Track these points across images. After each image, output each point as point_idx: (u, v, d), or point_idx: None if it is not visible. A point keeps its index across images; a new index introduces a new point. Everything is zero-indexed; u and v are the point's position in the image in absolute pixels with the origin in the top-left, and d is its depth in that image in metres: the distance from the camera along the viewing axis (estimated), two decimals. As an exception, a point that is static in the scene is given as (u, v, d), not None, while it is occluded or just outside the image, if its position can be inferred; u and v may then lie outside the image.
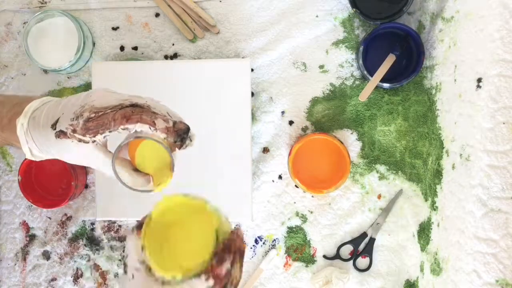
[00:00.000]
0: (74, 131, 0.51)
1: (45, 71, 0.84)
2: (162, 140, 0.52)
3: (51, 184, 0.82)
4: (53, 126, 0.52)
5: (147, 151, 0.55)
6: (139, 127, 0.51)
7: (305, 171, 0.77)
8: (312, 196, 0.81)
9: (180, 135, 0.52)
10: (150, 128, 0.51)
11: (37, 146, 0.55)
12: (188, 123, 0.54)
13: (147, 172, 0.55)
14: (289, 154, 0.77)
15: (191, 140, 0.54)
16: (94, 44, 0.83)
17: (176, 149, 0.53)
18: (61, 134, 0.52)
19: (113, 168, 0.53)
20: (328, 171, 0.77)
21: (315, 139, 0.76)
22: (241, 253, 0.50)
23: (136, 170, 0.55)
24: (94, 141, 0.52)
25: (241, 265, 0.50)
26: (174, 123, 0.52)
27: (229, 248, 0.49)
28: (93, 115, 0.51)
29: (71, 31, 0.78)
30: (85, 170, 0.83)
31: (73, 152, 0.53)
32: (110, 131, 0.51)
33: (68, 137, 0.52)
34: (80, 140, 0.52)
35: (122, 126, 0.51)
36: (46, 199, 0.81)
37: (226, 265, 0.48)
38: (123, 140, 0.52)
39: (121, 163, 0.54)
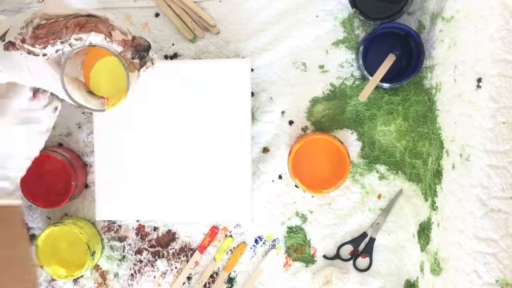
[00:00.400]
0: (23, 40, 0.47)
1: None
2: (118, 54, 0.47)
3: (51, 184, 0.82)
4: (2, 37, 0.48)
5: (102, 72, 0.51)
6: (94, 37, 0.47)
7: (305, 171, 0.77)
8: (312, 196, 0.81)
9: (139, 51, 0.48)
10: (106, 39, 0.47)
11: None
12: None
13: (101, 95, 0.51)
14: (289, 154, 0.77)
15: (152, 62, 0.50)
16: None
17: (136, 71, 0.49)
18: (10, 45, 0.48)
19: (62, 83, 0.48)
20: (328, 171, 0.77)
21: (315, 139, 0.76)
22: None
23: (90, 92, 0.51)
24: (44, 55, 0.48)
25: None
26: (134, 37, 0.48)
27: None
28: (43, 22, 0.47)
29: None
30: (85, 170, 0.83)
31: (22, 67, 0.49)
32: (61, 42, 0.47)
33: (17, 49, 0.48)
34: (29, 52, 0.48)
35: (75, 36, 0.47)
36: (46, 199, 0.81)
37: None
38: (72, 49, 0.48)
39: (75, 83, 0.50)
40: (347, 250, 0.81)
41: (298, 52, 0.80)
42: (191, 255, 0.83)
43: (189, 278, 0.83)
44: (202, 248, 0.82)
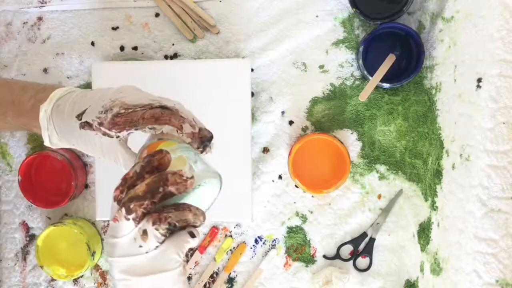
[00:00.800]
0: (100, 124, 0.51)
1: (45, 71, 0.84)
2: (187, 144, 0.52)
3: (51, 184, 0.82)
4: (79, 116, 0.53)
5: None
6: (167, 129, 0.51)
7: (305, 171, 0.77)
8: (312, 196, 0.81)
9: (204, 142, 0.53)
10: (177, 131, 0.51)
11: (57, 134, 0.55)
12: None
13: None
14: (289, 154, 0.77)
15: (211, 148, 0.55)
16: (93, 43, 0.83)
17: None
18: (86, 125, 0.52)
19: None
20: (328, 171, 0.77)
21: (315, 139, 0.76)
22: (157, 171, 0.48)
23: None
24: (118, 137, 0.52)
25: (149, 183, 0.46)
26: (200, 129, 0.52)
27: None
28: (122, 111, 0.51)
29: None
30: (85, 170, 0.84)
31: (95, 144, 0.53)
32: (136, 129, 0.51)
33: (93, 129, 0.52)
34: (104, 134, 0.52)
35: (150, 126, 0.51)
36: (46, 199, 0.82)
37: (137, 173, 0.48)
38: (149, 138, 0.52)
39: None
40: (347, 250, 0.81)
41: (298, 52, 0.80)
42: (191, 255, 0.83)
43: (189, 278, 0.83)
44: (202, 248, 0.82)
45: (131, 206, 0.44)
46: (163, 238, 0.45)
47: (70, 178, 0.79)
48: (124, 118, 0.51)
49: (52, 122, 0.55)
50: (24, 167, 0.80)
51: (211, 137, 0.54)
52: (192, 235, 0.47)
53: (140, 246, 0.45)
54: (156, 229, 0.44)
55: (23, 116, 0.57)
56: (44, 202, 0.81)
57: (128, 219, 0.45)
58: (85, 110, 0.53)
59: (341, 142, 0.76)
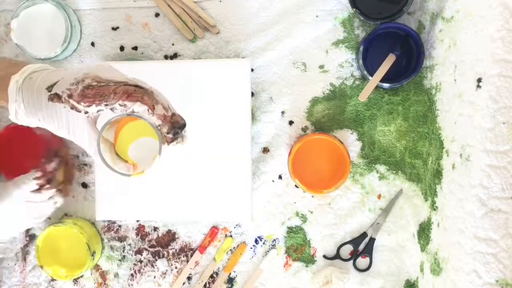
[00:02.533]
0: (70, 95, 0.50)
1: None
2: (156, 126, 0.50)
3: (24, 155, 0.82)
4: (49, 88, 0.51)
5: (130, 136, 0.54)
6: (138, 106, 0.50)
7: (305, 171, 0.77)
8: (312, 196, 0.81)
9: (175, 127, 0.51)
10: (148, 111, 0.50)
11: (24, 108, 0.53)
12: (188, 123, 0.54)
13: (125, 159, 0.54)
14: (289, 154, 0.77)
15: (182, 139, 0.53)
16: (93, 43, 0.83)
17: (165, 143, 0.52)
18: (55, 97, 0.50)
19: (97, 144, 0.51)
20: (328, 171, 0.77)
21: (315, 139, 0.76)
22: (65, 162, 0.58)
23: (117, 155, 0.54)
24: (86, 112, 0.50)
25: (65, 172, 0.54)
26: (173, 114, 0.51)
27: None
28: (94, 83, 0.50)
29: (59, 20, 0.78)
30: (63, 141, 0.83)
31: (61, 119, 0.51)
32: (106, 105, 0.50)
33: (62, 102, 0.50)
34: (72, 107, 0.50)
35: (120, 102, 0.49)
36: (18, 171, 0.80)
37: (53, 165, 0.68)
38: (115, 115, 0.50)
39: (106, 145, 0.53)
40: (347, 250, 0.81)
41: (298, 52, 0.80)
42: (191, 255, 0.83)
43: (189, 278, 0.83)
44: (202, 248, 0.82)
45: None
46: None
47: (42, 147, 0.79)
48: (95, 90, 0.49)
49: (21, 94, 0.52)
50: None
51: (184, 124, 0.52)
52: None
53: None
54: None
55: None
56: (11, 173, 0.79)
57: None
58: (56, 82, 0.51)
59: (341, 142, 0.76)
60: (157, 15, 0.82)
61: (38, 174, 0.71)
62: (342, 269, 0.80)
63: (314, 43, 0.80)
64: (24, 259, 0.85)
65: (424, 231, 0.76)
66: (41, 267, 0.80)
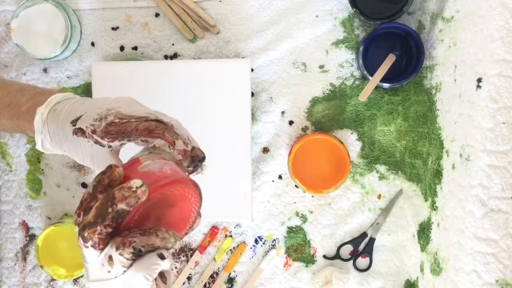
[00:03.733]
0: (93, 131, 0.51)
1: (45, 70, 0.84)
2: (177, 161, 0.51)
3: None
4: (73, 122, 0.52)
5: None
6: (159, 143, 0.51)
7: (305, 171, 0.77)
8: (312, 196, 0.81)
9: (195, 161, 0.52)
10: (169, 147, 0.51)
11: (50, 139, 0.54)
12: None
13: None
14: (289, 154, 0.77)
15: (202, 170, 0.54)
16: (93, 43, 0.83)
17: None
18: (79, 131, 0.52)
19: None
20: (328, 171, 0.77)
21: (315, 139, 0.76)
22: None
23: None
24: (110, 147, 0.52)
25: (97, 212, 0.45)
26: (193, 148, 0.52)
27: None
28: (117, 120, 0.51)
29: (59, 20, 0.78)
30: None
31: (86, 152, 0.53)
32: (129, 140, 0.51)
33: (86, 136, 0.52)
34: (96, 142, 0.52)
35: (142, 138, 0.51)
36: None
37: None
38: (140, 152, 0.52)
39: None
40: (347, 250, 0.81)
41: (298, 52, 0.80)
42: (191, 255, 0.83)
43: (189, 278, 0.83)
44: (202, 248, 0.82)
45: (85, 235, 0.43)
46: (129, 262, 0.44)
47: None
48: (118, 127, 0.51)
49: (47, 126, 0.54)
50: None
51: (203, 157, 0.53)
52: (162, 257, 0.46)
53: (109, 272, 0.45)
54: (121, 254, 0.44)
55: (18, 119, 0.57)
56: None
57: (88, 247, 0.44)
58: (80, 116, 0.52)
59: (341, 142, 0.76)
60: (157, 15, 0.82)
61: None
62: (342, 269, 0.80)
63: (314, 43, 0.80)
64: (24, 259, 0.85)
65: (424, 231, 0.76)
66: (41, 267, 0.80)
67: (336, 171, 0.76)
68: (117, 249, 0.43)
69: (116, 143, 0.52)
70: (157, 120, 0.51)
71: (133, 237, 0.44)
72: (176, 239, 0.47)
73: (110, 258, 0.44)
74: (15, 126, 0.58)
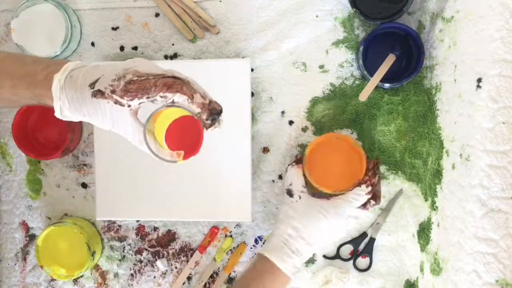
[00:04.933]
0: (113, 91, 0.52)
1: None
2: (196, 114, 0.53)
3: (47, 135, 0.83)
4: (92, 85, 0.53)
5: (164, 124, 0.57)
6: (178, 97, 0.52)
7: (319, 168, 0.75)
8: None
9: (213, 114, 0.54)
10: (188, 101, 0.52)
11: (68, 104, 0.55)
12: None
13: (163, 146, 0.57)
14: (308, 150, 0.75)
15: (219, 124, 0.56)
16: (93, 43, 0.83)
17: (204, 128, 0.55)
18: (98, 93, 0.53)
19: (144, 135, 0.54)
20: (341, 173, 0.74)
21: (335, 139, 0.74)
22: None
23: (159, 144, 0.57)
24: (129, 106, 0.53)
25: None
26: (210, 101, 0.54)
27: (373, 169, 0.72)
28: (135, 78, 0.52)
29: (59, 20, 0.79)
30: (81, 125, 0.84)
31: (105, 114, 0.54)
32: (148, 97, 0.53)
33: (105, 97, 0.53)
34: (116, 102, 0.53)
35: (161, 93, 0.52)
36: (39, 150, 0.81)
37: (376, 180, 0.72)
38: (158, 107, 0.54)
39: (151, 135, 0.56)
40: (347, 250, 0.81)
41: (298, 52, 0.80)
42: (191, 255, 0.83)
43: (189, 278, 0.83)
44: (202, 248, 0.82)
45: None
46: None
47: (66, 130, 0.80)
48: (137, 85, 0.52)
49: (65, 92, 0.55)
50: (19, 120, 0.80)
51: (221, 110, 0.55)
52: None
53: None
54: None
55: (36, 87, 0.57)
56: (37, 153, 0.81)
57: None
58: (98, 79, 0.53)
59: (360, 147, 0.74)
60: (157, 15, 0.82)
61: (368, 189, 0.72)
62: (342, 269, 0.80)
63: (314, 43, 0.80)
64: (24, 259, 0.85)
65: (424, 231, 0.76)
66: (41, 267, 0.80)
67: (349, 175, 0.74)
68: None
69: (135, 102, 0.53)
70: (174, 77, 0.53)
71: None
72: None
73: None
74: (32, 96, 0.58)
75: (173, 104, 0.53)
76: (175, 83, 0.52)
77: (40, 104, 0.58)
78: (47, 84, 0.56)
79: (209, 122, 0.54)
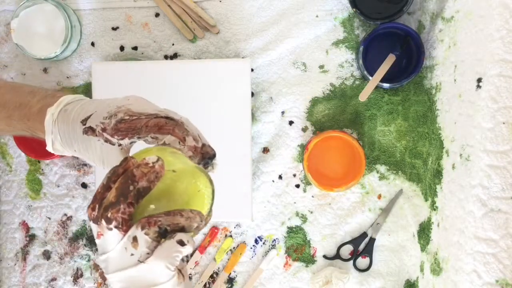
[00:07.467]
0: (104, 129, 0.51)
1: (45, 70, 0.84)
2: (188, 158, 0.51)
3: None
4: (84, 121, 0.52)
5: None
6: (169, 139, 0.51)
7: (319, 166, 0.76)
8: (312, 196, 0.81)
9: (205, 158, 0.52)
10: (179, 143, 0.51)
11: (60, 139, 0.54)
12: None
13: None
14: (306, 149, 0.76)
15: (213, 168, 0.54)
16: (93, 43, 0.83)
17: None
18: (89, 130, 0.52)
19: None
20: (342, 170, 0.76)
21: (333, 136, 0.75)
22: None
23: None
24: (120, 145, 0.52)
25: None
26: (203, 145, 0.52)
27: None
28: (127, 117, 0.51)
29: (59, 20, 0.78)
30: None
31: (96, 151, 0.53)
32: (139, 137, 0.51)
33: (96, 135, 0.51)
34: (106, 140, 0.51)
35: (152, 134, 0.50)
36: (39, 150, 0.81)
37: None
38: (147, 147, 0.51)
39: None
40: (347, 250, 0.81)
41: (298, 52, 0.80)
42: (191, 255, 0.83)
43: (189, 278, 0.83)
44: (202, 248, 0.82)
45: (109, 215, 0.43)
46: (154, 244, 0.44)
47: None
48: (128, 124, 0.51)
49: (57, 126, 0.54)
50: None
51: (214, 154, 0.53)
52: (182, 243, 0.45)
53: (132, 254, 0.43)
54: (146, 234, 0.43)
55: (29, 119, 0.57)
56: (37, 154, 0.80)
57: (111, 229, 0.43)
58: (90, 115, 0.52)
59: (360, 144, 0.75)
60: (157, 15, 0.82)
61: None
62: (342, 269, 0.80)
63: (314, 43, 0.80)
64: (24, 259, 0.85)
65: (424, 231, 0.76)
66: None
67: (349, 172, 0.76)
68: (142, 228, 0.43)
69: (126, 141, 0.51)
70: (167, 117, 0.51)
71: (158, 217, 0.44)
72: (201, 218, 0.47)
73: (135, 239, 0.43)
74: (25, 128, 0.58)
75: (164, 145, 0.51)
76: (167, 124, 0.50)
77: (33, 136, 0.57)
78: (40, 117, 0.55)
79: (200, 166, 0.52)
